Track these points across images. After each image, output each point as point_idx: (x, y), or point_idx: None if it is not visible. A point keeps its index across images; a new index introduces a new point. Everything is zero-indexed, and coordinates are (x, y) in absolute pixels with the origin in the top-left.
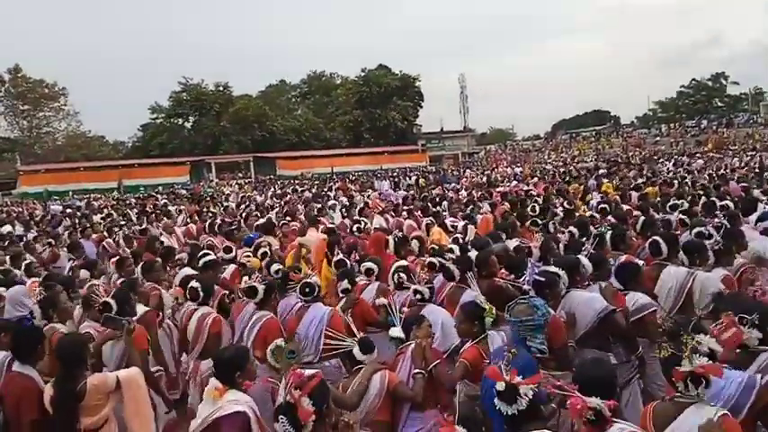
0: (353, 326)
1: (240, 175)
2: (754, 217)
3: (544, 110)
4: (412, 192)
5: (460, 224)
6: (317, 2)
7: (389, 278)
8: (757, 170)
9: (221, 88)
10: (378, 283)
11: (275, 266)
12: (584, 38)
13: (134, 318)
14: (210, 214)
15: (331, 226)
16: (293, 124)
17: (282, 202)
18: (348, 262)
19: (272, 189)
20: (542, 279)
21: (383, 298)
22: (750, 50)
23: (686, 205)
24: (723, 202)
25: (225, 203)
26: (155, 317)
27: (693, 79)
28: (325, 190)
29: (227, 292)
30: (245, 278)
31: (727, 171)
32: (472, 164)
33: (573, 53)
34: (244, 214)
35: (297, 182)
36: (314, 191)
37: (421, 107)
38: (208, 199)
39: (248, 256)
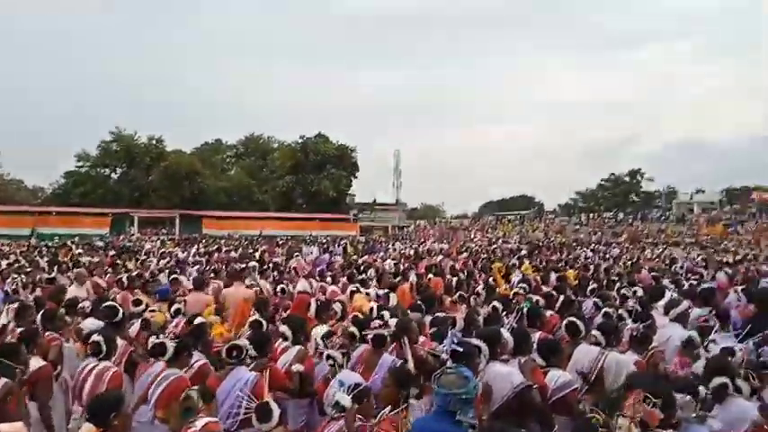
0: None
1: (164, 231)
2: (661, 303)
3: (473, 190)
4: (339, 259)
5: (382, 292)
6: (260, 65)
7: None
8: (667, 263)
9: (154, 142)
10: (298, 348)
11: (198, 319)
12: (515, 126)
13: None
14: (125, 268)
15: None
16: (225, 184)
17: (205, 260)
18: (263, 324)
19: (196, 247)
20: (460, 349)
21: (299, 364)
22: (664, 152)
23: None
24: (634, 288)
25: (142, 258)
26: (50, 371)
27: (612, 174)
28: (251, 252)
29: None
30: (152, 337)
31: (640, 261)
32: (402, 237)
33: (503, 139)
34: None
35: (223, 242)
36: (239, 252)
37: (355, 177)
38: (125, 252)
39: (153, 311)
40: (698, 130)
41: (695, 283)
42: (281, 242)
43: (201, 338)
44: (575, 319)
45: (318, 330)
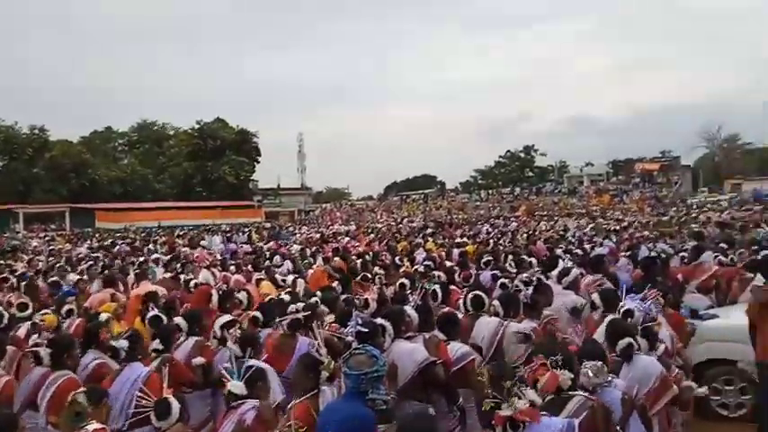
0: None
1: (53, 226)
2: (555, 272)
3: (377, 172)
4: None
5: (290, 278)
6: (152, 49)
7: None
8: (561, 233)
9: (36, 131)
10: (194, 339)
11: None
12: (414, 106)
13: None
14: (9, 269)
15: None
16: (118, 174)
17: (103, 255)
18: (164, 319)
19: (89, 242)
20: (365, 330)
21: (201, 357)
22: (556, 128)
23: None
24: (530, 259)
25: (30, 257)
26: None
27: (508, 150)
28: (149, 244)
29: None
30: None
31: (536, 233)
32: (308, 221)
33: (404, 120)
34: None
35: (118, 235)
36: (136, 245)
37: (258, 163)
38: (10, 252)
39: (46, 313)
40: (585, 107)
41: (587, 251)
42: (181, 233)
43: (95, 338)
44: (479, 293)
45: (220, 320)
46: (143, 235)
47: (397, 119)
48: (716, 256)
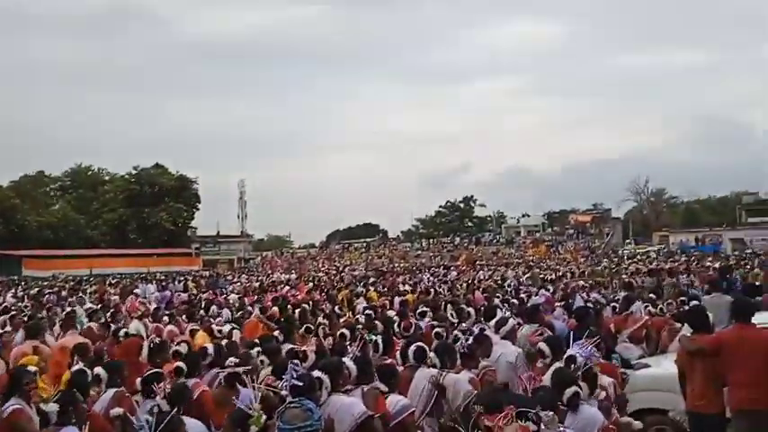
0: None
1: None
2: (492, 322)
3: (320, 220)
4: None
5: (226, 328)
6: (89, 94)
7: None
8: (499, 282)
9: None
10: (113, 391)
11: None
12: (357, 156)
13: None
14: None
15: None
16: (48, 220)
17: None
18: (88, 373)
19: (13, 291)
20: (300, 383)
21: (119, 408)
22: (494, 180)
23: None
24: (468, 309)
25: None
26: None
27: (448, 201)
28: (79, 293)
29: None
30: None
31: (476, 283)
32: (248, 269)
33: (345, 168)
34: None
35: (46, 284)
36: (63, 294)
37: (197, 210)
38: None
39: None
40: (521, 160)
41: (523, 300)
42: (113, 281)
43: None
44: (422, 344)
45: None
46: (72, 283)
47: (339, 168)
48: (646, 306)
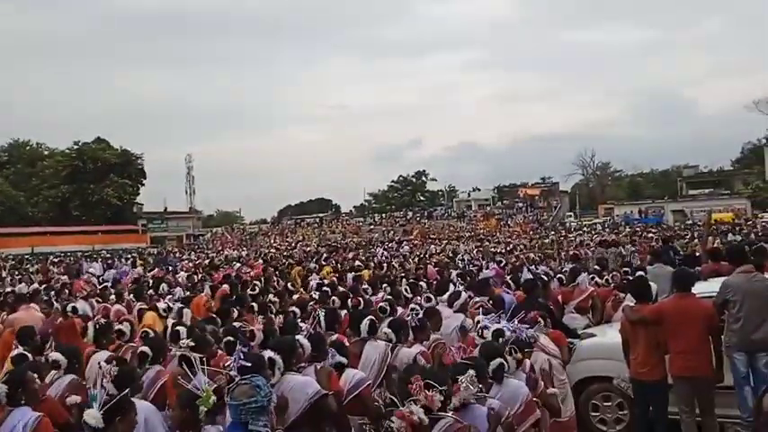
0: None
1: None
2: (446, 296)
3: (271, 195)
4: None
5: (176, 307)
6: (26, 66)
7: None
8: (451, 255)
9: None
10: (70, 377)
11: None
12: (309, 129)
13: None
14: None
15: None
16: None
17: None
18: (29, 356)
19: None
20: (248, 364)
21: (76, 395)
22: (445, 154)
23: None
24: (421, 283)
25: None
26: None
27: (401, 175)
28: (19, 273)
29: None
30: None
31: (428, 257)
32: (197, 246)
33: (298, 143)
34: None
35: None
36: (3, 274)
37: (143, 185)
38: None
39: None
40: (471, 134)
41: (473, 273)
42: (56, 260)
43: None
44: (373, 318)
45: (98, 356)
46: (12, 263)
47: (290, 141)
48: (591, 278)
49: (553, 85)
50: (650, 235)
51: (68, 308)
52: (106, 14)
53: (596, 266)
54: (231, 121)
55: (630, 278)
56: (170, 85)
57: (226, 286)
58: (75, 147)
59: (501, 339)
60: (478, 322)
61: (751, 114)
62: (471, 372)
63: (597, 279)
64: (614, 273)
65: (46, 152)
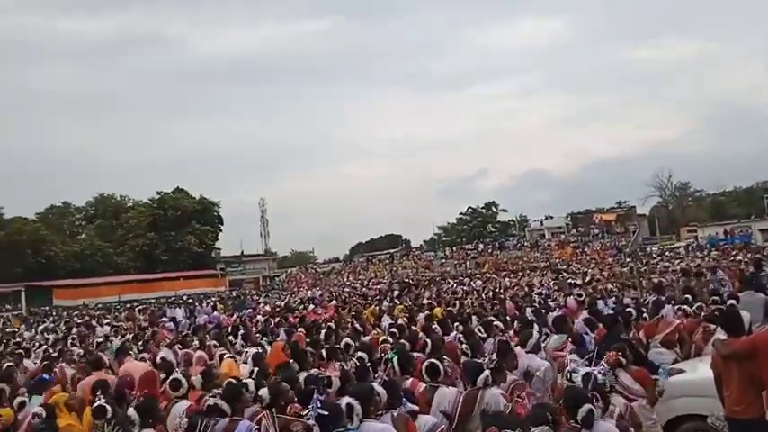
0: None
1: (8, 307)
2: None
3: (342, 233)
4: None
5: (251, 351)
6: (107, 122)
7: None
8: (526, 289)
9: None
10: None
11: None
12: (373, 165)
13: None
14: None
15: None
16: (75, 249)
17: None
18: (108, 409)
19: (45, 323)
20: (326, 413)
21: None
22: (512, 183)
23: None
24: (496, 322)
25: None
26: None
27: (470, 207)
28: (109, 320)
29: None
30: None
31: (502, 290)
32: (273, 288)
33: (364, 179)
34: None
35: (75, 313)
36: (94, 322)
37: (221, 231)
38: None
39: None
40: (538, 161)
41: (551, 309)
42: (141, 307)
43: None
44: (435, 361)
45: (179, 406)
46: (100, 312)
47: (357, 180)
48: (678, 308)
49: (617, 104)
50: (738, 258)
51: (158, 359)
52: (175, 67)
53: (686, 296)
54: (298, 163)
55: (720, 307)
56: (239, 131)
57: (302, 330)
58: (157, 197)
59: (590, 384)
60: (567, 364)
61: None
62: (545, 429)
63: (686, 308)
64: (700, 303)
65: (129, 204)
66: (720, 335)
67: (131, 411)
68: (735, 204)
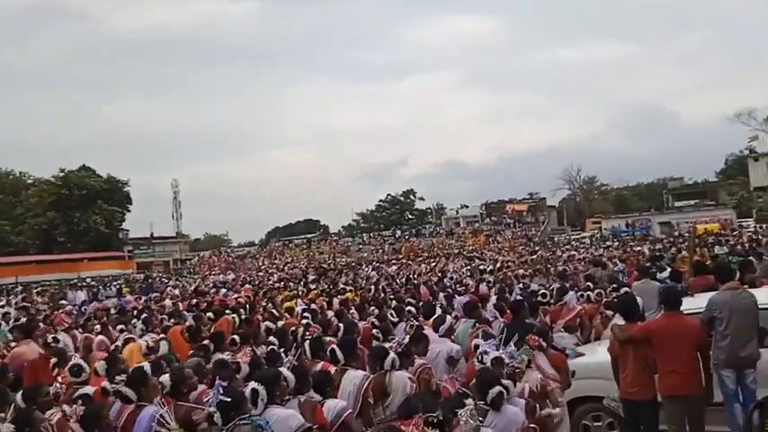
0: None
1: None
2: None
3: (259, 217)
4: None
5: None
6: (7, 93)
7: None
8: (440, 274)
9: None
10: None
11: None
12: (294, 151)
13: None
14: None
15: None
16: None
17: None
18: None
19: None
20: (228, 399)
21: None
22: (432, 172)
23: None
24: (408, 308)
25: None
26: None
27: (389, 194)
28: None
29: None
30: None
31: (416, 276)
32: (184, 271)
33: (284, 165)
34: None
35: None
36: None
37: (129, 211)
38: None
39: None
40: (457, 152)
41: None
42: (39, 289)
43: None
44: (334, 347)
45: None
46: None
47: (275, 164)
48: (580, 295)
49: (536, 102)
50: (637, 248)
51: (50, 339)
52: (89, 43)
53: (588, 283)
54: (217, 146)
55: (618, 295)
56: (154, 112)
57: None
58: (61, 175)
59: (501, 367)
60: (477, 347)
61: (733, 126)
62: (470, 405)
63: (590, 294)
64: (599, 290)
65: (30, 180)
66: (618, 320)
67: (17, 397)
68: (637, 198)
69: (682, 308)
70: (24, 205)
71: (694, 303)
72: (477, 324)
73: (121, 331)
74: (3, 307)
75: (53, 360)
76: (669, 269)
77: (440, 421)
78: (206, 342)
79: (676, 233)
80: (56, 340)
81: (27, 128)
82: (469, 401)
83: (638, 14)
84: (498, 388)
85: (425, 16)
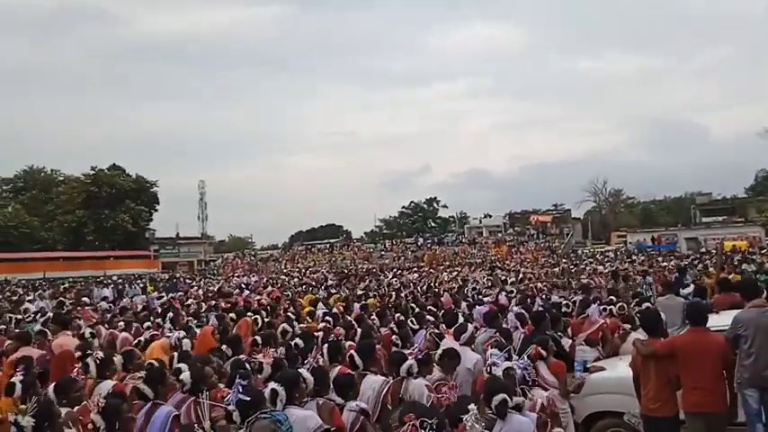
0: None
1: None
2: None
3: (282, 221)
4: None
5: (174, 336)
6: (36, 96)
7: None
8: (461, 283)
9: None
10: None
11: None
12: (318, 157)
13: None
14: None
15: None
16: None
17: None
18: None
19: None
20: (247, 398)
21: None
22: (454, 180)
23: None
24: (429, 317)
25: None
26: None
27: (412, 201)
28: (31, 298)
29: None
30: None
31: (438, 284)
32: (207, 272)
33: (308, 170)
34: None
35: None
36: (15, 299)
37: (156, 211)
38: None
39: None
40: (481, 161)
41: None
42: (66, 285)
43: None
44: (353, 353)
45: (102, 387)
46: (22, 289)
47: (299, 169)
48: (603, 309)
49: (559, 112)
50: (664, 264)
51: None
52: (121, 47)
53: (611, 297)
54: (242, 150)
55: (640, 309)
56: (182, 114)
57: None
58: (91, 173)
59: (511, 378)
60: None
61: (764, 141)
62: (474, 410)
63: (612, 308)
64: (621, 304)
65: (61, 178)
66: (640, 335)
67: (49, 390)
68: (664, 213)
69: (707, 324)
70: (55, 202)
71: (720, 320)
72: (496, 334)
73: (148, 328)
74: (32, 302)
75: (77, 354)
76: (692, 285)
77: (437, 425)
78: (224, 347)
79: (703, 249)
80: (93, 335)
81: (59, 127)
82: (473, 407)
83: (663, 27)
84: (502, 395)
85: (449, 24)
